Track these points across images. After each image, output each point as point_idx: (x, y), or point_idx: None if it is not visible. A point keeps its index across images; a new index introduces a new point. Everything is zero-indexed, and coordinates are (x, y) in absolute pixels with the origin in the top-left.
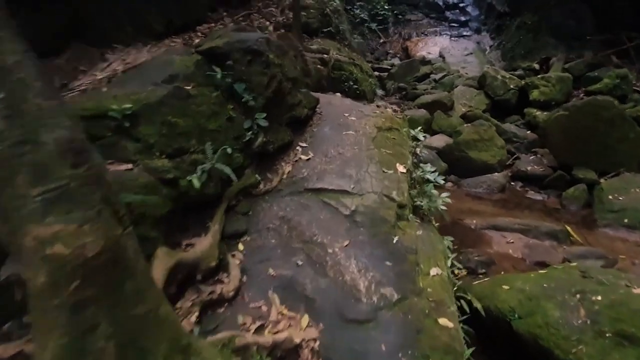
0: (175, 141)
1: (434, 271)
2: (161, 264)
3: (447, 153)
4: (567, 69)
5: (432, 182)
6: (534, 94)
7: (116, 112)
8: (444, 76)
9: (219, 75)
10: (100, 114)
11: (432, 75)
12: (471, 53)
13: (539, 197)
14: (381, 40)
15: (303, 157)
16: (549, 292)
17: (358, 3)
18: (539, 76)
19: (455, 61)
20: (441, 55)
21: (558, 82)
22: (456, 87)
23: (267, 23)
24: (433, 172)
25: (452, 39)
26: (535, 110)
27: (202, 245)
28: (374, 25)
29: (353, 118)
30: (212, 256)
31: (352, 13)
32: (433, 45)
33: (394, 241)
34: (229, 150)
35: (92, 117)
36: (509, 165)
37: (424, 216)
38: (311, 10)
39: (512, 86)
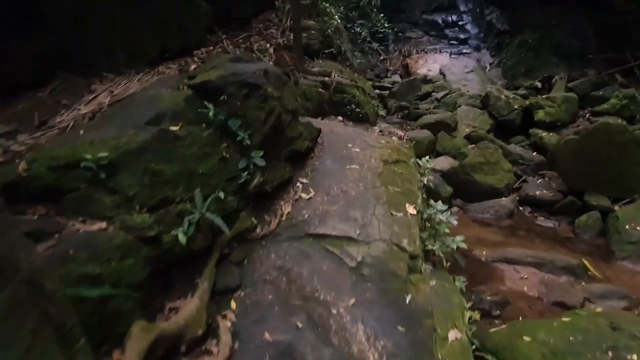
0: (158, 191)
1: (452, 335)
2: (136, 344)
3: (452, 176)
4: (571, 88)
5: (444, 222)
6: (540, 115)
7: (91, 162)
8: (445, 95)
9: (211, 113)
10: (73, 162)
11: (433, 94)
12: (472, 71)
13: (549, 224)
14: (381, 58)
15: (304, 195)
16: (576, 348)
17: (359, 21)
18: (543, 96)
19: (455, 79)
20: (441, 73)
21: (564, 102)
22: (459, 106)
23: (268, 45)
24: (445, 210)
25: (452, 56)
26: (541, 131)
27: (188, 309)
28: (375, 45)
29: (357, 149)
30: (199, 322)
31: (352, 31)
32: (433, 63)
33: (407, 301)
34: (222, 195)
35: (64, 166)
36: (516, 188)
37: (437, 262)
38: (312, 32)
39: (516, 106)
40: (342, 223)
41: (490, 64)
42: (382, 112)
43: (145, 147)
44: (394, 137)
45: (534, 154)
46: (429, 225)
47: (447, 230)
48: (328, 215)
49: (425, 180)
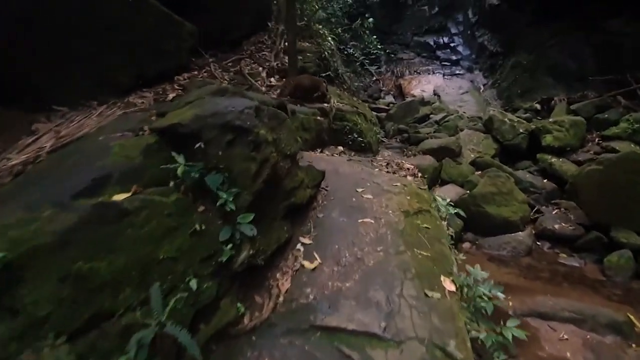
0: (88, 305)
1: None
2: None
3: (461, 207)
4: (574, 111)
5: (487, 296)
6: (548, 140)
7: None
8: (444, 117)
9: (180, 169)
10: None
11: (432, 116)
12: (467, 92)
13: (574, 262)
14: (374, 78)
15: (306, 263)
16: None
17: (351, 43)
18: (550, 120)
19: (451, 100)
20: (436, 94)
21: (572, 127)
22: (461, 130)
23: (260, 69)
24: (486, 280)
25: (446, 77)
26: (549, 157)
27: None
28: (369, 67)
29: (369, 196)
30: None
31: (345, 52)
32: (427, 84)
33: None
34: (194, 284)
35: None
36: (532, 220)
37: (482, 354)
38: (308, 54)
39: (521, 130)
40: (361, 310)
41: (484, 85)
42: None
43: (67, 239)
44: (408, 176)
45: (545, 181)
46: (465, 295)
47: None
48: (340, 297)
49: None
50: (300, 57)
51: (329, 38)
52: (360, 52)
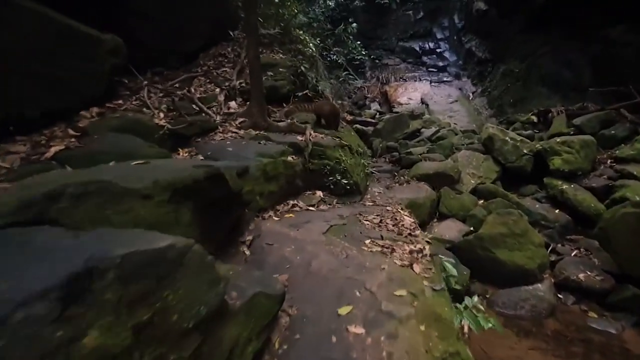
0: None
1: None
2: None
3: (465, 250)
4: (577, 126)
5: None
6: (556, 163)
7: None
8: (436, 132)
9: None
10: None
11: (423, 130)
12: (456, 100)
13: (608, 327)
14: (359, 85)
15: None
16: None
17: (335, 49)
18: (557, 140)
19: (440, 109)
20: (424, 102)
21: (582, 148)
22: (458, 150)
23: (217, 90)
24: None
25: (433, 84)
26: (559, 182)
27: None
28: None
29: (359, 330)
30: None
31: (328, 59)
32: (413, 91)
33: None
34: None
35: None
36: (550, 263)
37: None
38: (280, 69)
39: (525, 151)
40: None
41: (474, 93)
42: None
43: None
44: (414, 264)
45: (557, 211)
46: None
47: None
48: None
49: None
50: (270, 73)
51: (311, 44)
52: (344, 58)
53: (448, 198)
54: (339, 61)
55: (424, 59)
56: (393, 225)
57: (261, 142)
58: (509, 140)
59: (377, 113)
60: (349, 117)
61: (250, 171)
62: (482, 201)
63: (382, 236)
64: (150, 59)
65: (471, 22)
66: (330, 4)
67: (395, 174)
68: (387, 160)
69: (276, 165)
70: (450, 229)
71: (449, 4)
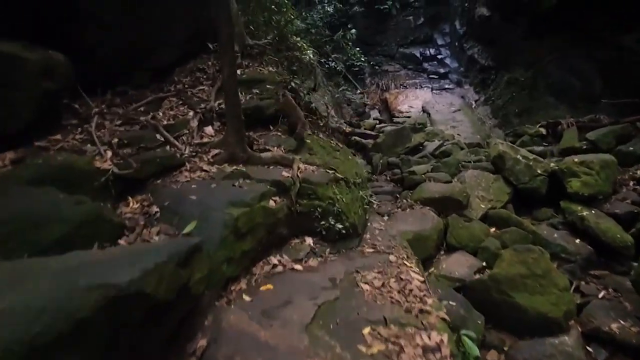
0: None
1: None
2: None
3: (479, 292)
4: (592, 142)
5: None
6: (575, 186)
7: None
8: (440, 146)
9: None
10: None
11: (426, 144)
12: (459, 109)
13: None
14: (358, 92)
15: None
16: None
17: (333, 55)
18: (575, 159)
19: (442, 119)
20: (425, 111)
21: (602, 169)
22: (463, 167)
23: (191, 113)
24: None
25: (434, 92)
26: (578, 207)
27: None
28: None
29: None
30: None
31: (327, 66)
32: (414, 99)
33: None
34: None
35: None
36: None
37: None
38: (267, 86)
39: (539, 171)
40: None
41: (476, 101)
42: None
43: None
44: None
45: (577, 241)
46: None
47: None
48: None
49: None
50: (256, 91)
51: (308, 51)
52: (343, 65)
53: (456, 227)
54: (338, 68)
55: (425, 65)
56: (399, 292)
57: (236, 184)
58: (520, 159)
59: (377, 122)
60: (348, 129)
61: (211, 237)
62: (493, 229)
63: (385, 320)
64: (111, 76)
65: (473, 28)
66: (329, 10)
67: (397, 195)
68: (389, 178)
69: (253, 216)
70: (460, 264)
71: (449, 10)
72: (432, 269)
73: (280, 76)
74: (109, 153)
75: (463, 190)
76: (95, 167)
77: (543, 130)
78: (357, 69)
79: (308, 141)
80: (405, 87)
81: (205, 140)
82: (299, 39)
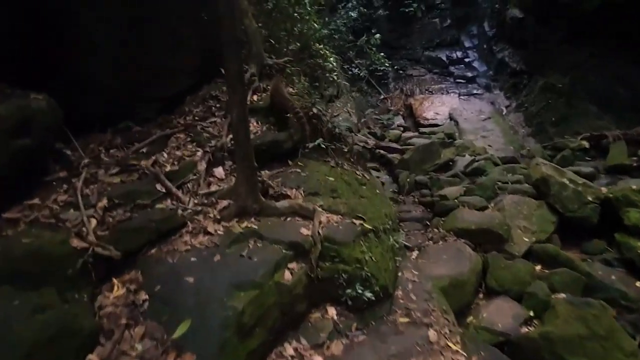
0: None
1: None
2: None
3: (527, 351)
4: None
5: None
6: (633, 217)
7: None
8: (472, 162)
9: None
10: None
11: (457, 159)
12: (489, 117)
13: None
14: (381, 97)
15: None
16: None
17: (357, 61)
18: (633, 187)
19: (471, 128)
20: (452, 118)
21: None
22: (499, 188)
23: (200, 153)
24: None
25: (462, 97)
26: (638, 243)
27: None
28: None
29: None
30: None
31: (350, 72)
32: (440, 105)
33: None
34: None
35: None
36: None
37: None
38: (286, 115)
39: (589, 198)
40: None
41: (507, 107)
42: (390, 188)
43: None
44: None
45: (638, 284)
46: None
47: None
48: None
49: None
50: (273, 120)
51: (331, 58)
52: (366, 69)
53: (497, 267)
54: (361, 74)
55: (451, 69)
56: None
57: (244, 253)
58: (567, 183)
59: (402, 129)
60: (371, 142)
61: (208, 343)
62: (539, 267)
63: None
64: (112, 110)
65: (504, 30)
66: (352, 14)
67: (428, 223)
68: (417, 200)
69: (263, 300)
70: (503, 314)
71: (478, 11)
72: (471, 317)
73: (301, 99)
74: (94, 222)
75: (503, 223)
76: (72, 248)
77: (586, 144)
78: (380, 73)
79: (331, 179)
80: (431, 92)
81: (213, 188)
82: (321, 46)
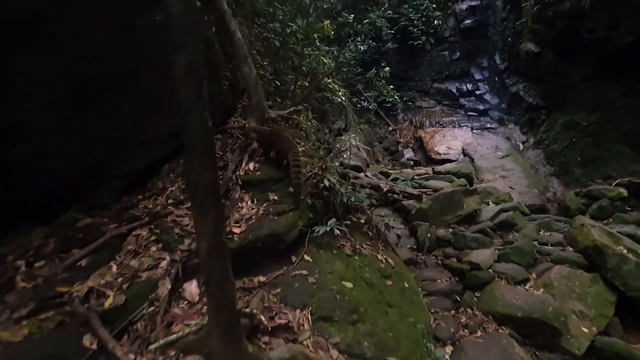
0: None
1: None
2: None
3: None
4: None
5: None
6: None
7: None
8: (499, 213)
9: None
10: None
11: (482, 208)
12: (507, 155)
13: None
14: (390, 128)
15: None
16: None
17: (366, 94)
18: None
19: (488, 166)
20: (466, 154)
21: None
22: (540, 254)
23: (165, 262)
24: None
25: (475, 131)
26: None
27: None
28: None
29: None
30: None
31: (359, 105)
32: (452, 139)
33: None
34: None
35: None
36: None
37: None
38: (287, 190)
39: None
40: None
41: (524, 143)
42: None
43: None
44: None
45: None
46: None
47: None
48: None
49: None
50: (273, 197)
51: (340, 92)
52: (375, 100)
53: None
54: (370, 107)
55: (462, 101)
56: None
57: None
58: (627, 254)
59: (413, 163)
60: (385, 185)
61: None
62: None
63: None
64: (49, 198)
65: (518, 64)
66: (361, 47)
67: (458, 298)
68: (440, 262)
69: None
70: None
71: (488, 44)
72: None
73: (312, 167)
74: None
75: (559, 312)
76: None
77: (624, 191)
78: (388, 105)
79: (349, 284)
80: (442, 125)
81: (177, 329)
82: (330, 80)
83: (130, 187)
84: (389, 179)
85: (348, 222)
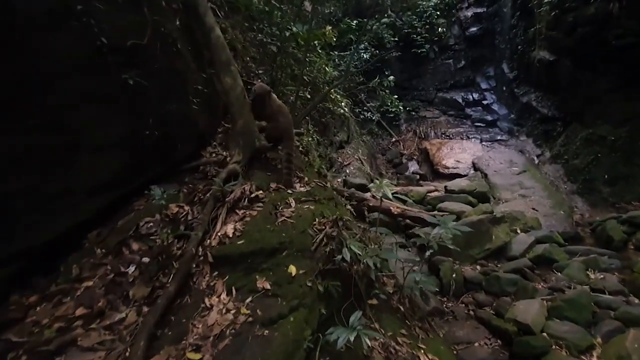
0: None
1: None
2: None
3: None
4: None
5: None
6: None
7: None
8: (531, 246)
9: None
10: None
11: (513, 242)
12: (524, 171)
13: None
14: (393, 139)
15: None
16: None
17: (369, 104)
18: None
19: (504, 183)
20: (477, 169)
21: None
22: (599, 307)
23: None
24: None
25: (484, 143)
26: None
27: None
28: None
29: None
30: None
31: (362, 116)
32: (461, 152)
33: None
34: None
35: None
36: None
37: None
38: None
39: None
40: None
41: (538, 156)
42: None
43: None
44: None
45: None
46: None
47: None
48: None
49: None
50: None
51: (342, 103)
52: (377, 110)
53: None
54: (373, 118)
55: (468, 111)
56: None
57: None
58: None
59: (418, 177)
60: (396, 209)
61: None
62: None
63: None
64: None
65: (529, 73)
66: (365, 56)
67: None
68: (473, 313)
69: None
70: None
71: (495, 52)
72: None
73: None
74: None
75: None
76: None
77: None
78: (391, 115)
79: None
80: (449, 136)
81: None
82: (333, 89)
83: (24, 276)
84: (405, 203)
85: (374, 300)
